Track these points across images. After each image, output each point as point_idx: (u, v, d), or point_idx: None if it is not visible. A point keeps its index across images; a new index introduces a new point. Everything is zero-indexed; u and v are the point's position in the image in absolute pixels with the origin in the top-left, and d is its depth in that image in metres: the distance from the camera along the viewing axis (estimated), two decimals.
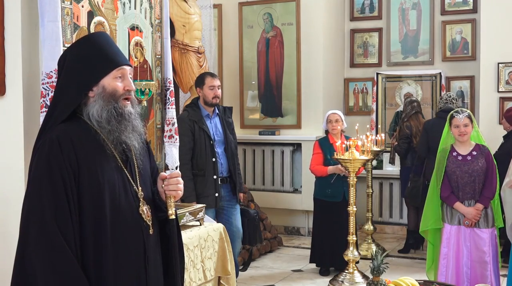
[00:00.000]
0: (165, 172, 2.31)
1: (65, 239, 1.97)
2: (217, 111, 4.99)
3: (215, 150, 4.85)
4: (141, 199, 2.20)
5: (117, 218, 2.10)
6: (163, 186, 2.23)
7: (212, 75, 5.00)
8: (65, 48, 3.15)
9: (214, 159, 4.82)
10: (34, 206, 2.01)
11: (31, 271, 1.97)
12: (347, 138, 5.58)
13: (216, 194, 4.81)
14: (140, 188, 2.21)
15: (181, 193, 2.25)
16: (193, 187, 4.75)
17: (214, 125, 4.94)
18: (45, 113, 3.01)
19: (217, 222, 4.45)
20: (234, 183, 4.99)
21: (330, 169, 5.55)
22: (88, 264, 2.04)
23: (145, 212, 2.20)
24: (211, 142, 4.82)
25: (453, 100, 6.12)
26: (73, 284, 1.97)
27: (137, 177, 2.22)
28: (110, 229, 2.08)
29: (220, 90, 4.95)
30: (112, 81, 2.13)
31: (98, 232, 2.06)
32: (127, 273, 2.13)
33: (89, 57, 2.13)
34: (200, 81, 4.96)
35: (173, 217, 2.24)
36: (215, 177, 4.81)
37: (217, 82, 4.91)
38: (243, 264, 5.62)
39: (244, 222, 5.13)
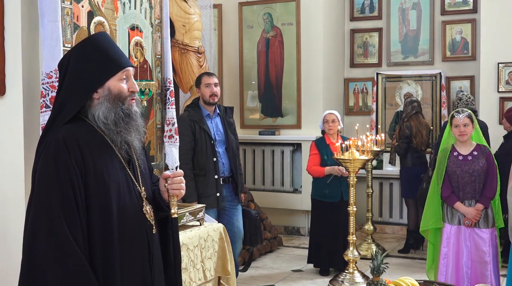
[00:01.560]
0: (165, 171, 2.30)
1: (75, 240, 1.98)
2: (218, 111, 4.99)
3: (216, 149, 4.85)
4: (144, 199, 2.22)
5: (123, 218, 2.12)
6: (166, 185, 2.24)
7: (208, 73, 5.02)
8: (65, 48, 3.15)
9: (215, 159, 4.82)
10: (42, 206, 2.00)
11: (41, 271, 1.97)
12: (344, 139, 5.57)
13: (218, 194, 4.81)
14: (143, 188, 2.23)
15: (183, 192, 2.26)
16: (194, 187, 4.75)
17: (215, 125, 4.94)
18: (45, 113, 3.03)
19: (219, 222, 4.45)
20: (236, 183, 4.99)
21: (327, 169, 5.55)
22: (96, 264, 2.05)
23: (148, 211, 2.22)
24: (212, 142, 4.82)
25: (472, 101, 6.12)
26: (83, 284, 1.98)
27: (139, 176, 2.24)
28: (116, 229, 2.09)
29: (218, 88, 4.92)
30: (118, 83, 2.15)
31: (105, 232, 2.07)
32: (133, 272, 2.14)
33: (94, 60, 2.13)
34: (197, 81, 4.99)
35: (176, 216, 2.25)
36: (216, 176, 4.81)
37: (212, 79, 4.90)
38: (243, 264, 5.62)
39: (245, 222, 5.13)
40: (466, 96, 6.21)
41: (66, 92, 2.14)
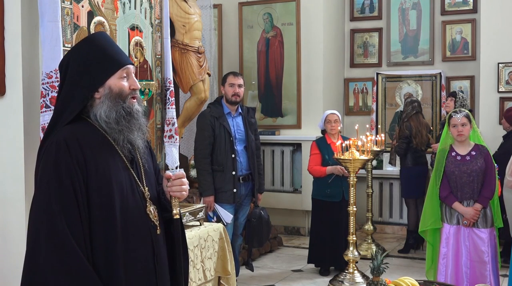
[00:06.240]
0: (165, 172, 2.28)
1: (76, 242, 1.96)
2: (240, 110, 5.11)
3: (235, 147, 4.96)
4: (148, 199, 2.19)
5: (126, 219, 2.09)
6: (167, 185, 2.22)
7: (234, 73, 5.16)
8: (65, 48, 3.16)
9: (233, 155, 4.92)
10: (43, 209, 1.98)
11: (43, 276, 1.95)
12: (345, 139, 5.57)
13: (234, 190, 4.91)
14: (146, 188, 2.20)
15: (185, 194, 2.23)
16: (211, 181, 4.88)
17: (235, 124, 5.05)
18: (45, 113, 3.03)
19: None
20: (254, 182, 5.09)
21: (329, 169, 5.55)
22: (99, 265, 2.03)
23: (152, 212, 2.19)
24: (231, 139, 4.93)
25: (466, 101, 6.21)
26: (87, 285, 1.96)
27: (143, 176, 2.21)
28: (119, 229, 2.07)
29: (241, 89, 5.07)
30: (118, 81, 2.13)
31: (108, 232, 2.05)
32: (137, 273, 2.12)
33: (93, 59, 2.12)
34: (223, 79, 5.17)
35: (178, 216, 2.23)
36: (233, 173, 4.92)
37: (237, 80, 5.04)
38: (244, 264, 5.63)
39: (255, 224, 5.14)
40: (462, 98, 6.22)
41: (67, 93, 2.13)
